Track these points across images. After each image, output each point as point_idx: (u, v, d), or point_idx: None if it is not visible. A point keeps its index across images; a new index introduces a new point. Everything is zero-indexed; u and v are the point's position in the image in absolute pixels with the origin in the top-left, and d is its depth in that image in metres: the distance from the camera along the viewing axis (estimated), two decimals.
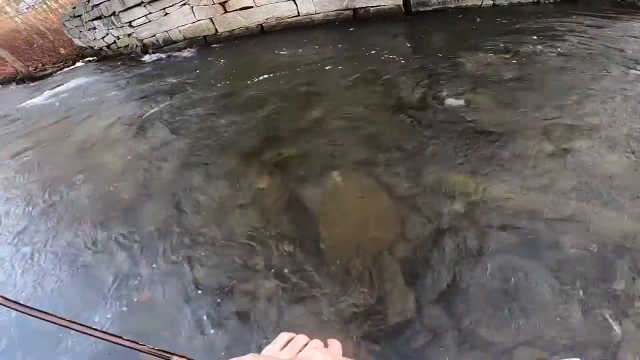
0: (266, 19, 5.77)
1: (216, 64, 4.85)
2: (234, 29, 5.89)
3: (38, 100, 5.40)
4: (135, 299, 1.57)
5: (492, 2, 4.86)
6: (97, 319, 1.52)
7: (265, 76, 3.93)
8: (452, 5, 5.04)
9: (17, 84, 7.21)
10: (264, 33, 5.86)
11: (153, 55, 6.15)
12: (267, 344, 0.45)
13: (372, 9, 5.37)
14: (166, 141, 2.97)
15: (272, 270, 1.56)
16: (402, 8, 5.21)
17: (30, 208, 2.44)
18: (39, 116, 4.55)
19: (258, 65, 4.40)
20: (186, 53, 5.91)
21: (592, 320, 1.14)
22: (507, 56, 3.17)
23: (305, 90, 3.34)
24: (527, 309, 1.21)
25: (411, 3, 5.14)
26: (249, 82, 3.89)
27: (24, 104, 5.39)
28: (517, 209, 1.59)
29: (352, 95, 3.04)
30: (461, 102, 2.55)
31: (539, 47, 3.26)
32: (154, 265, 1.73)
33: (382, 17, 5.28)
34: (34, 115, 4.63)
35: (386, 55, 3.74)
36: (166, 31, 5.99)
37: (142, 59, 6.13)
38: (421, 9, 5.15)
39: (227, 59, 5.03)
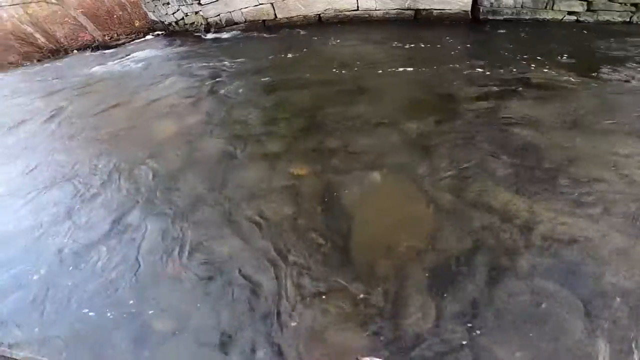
0: (325, 10, 5.89)
1: (275, 48, 5.07)
2: (292, 16, 6.10)
3: (111, 66, 6.11)
4: (165, 271, 1.72)
5: (575, 17, 4.47)
6: None
7: (320, 66, 4.05)
8: (527, 17, 4.73)
9: (92, 50, 8.15)
10: (322, 23, 5.99)
11: (215, 34, 6.60)
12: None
13: (435, 11, 5.22)
14: (218, 115, 3.24)
15: (296, 258, 1.67)
16: (469, 14, 5.00)
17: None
18: (108, 80, 5.17)
19: (314, 54, 4.54)
20: (243, 35, 6.24)
21: (616, 354, 1.13)
22: (585, 78, 2.96)
23: (357, 85, 3.39)
24: (550, 335, 1.23)
25: (480, 10, 4.91)
26: (303, 69, 4.04)
27: (96, 68, 6.13)
28: (562, 235, 1.56)
29: (407, 98, 3.04)
30: (523, 118, 2.47)
31: (625, 73, 2.99)
32: (181, 235, 1.92)
33: (446, 21, 5.12)
34: (104, 79, 5.27)
35: (447, 62, 3.66)
36: (230, 12, 6.38)
37: (204, 37, 6.62)
38: (490, 17, 4.90)
39: (285, 44, 5.23)
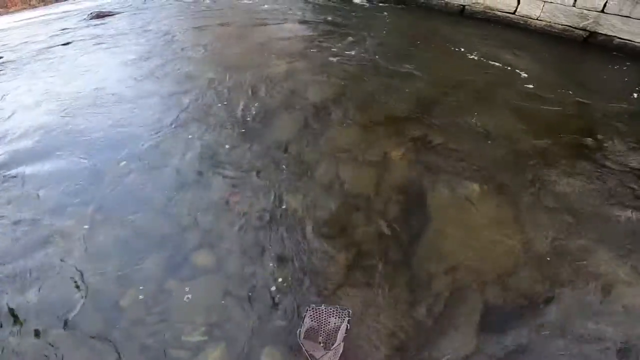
0: (473, 3, 5.37)
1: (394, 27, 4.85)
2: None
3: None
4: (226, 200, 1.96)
5: None
6: None
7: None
8: None
9: None
10: (463, 16, 5.50)
11: None
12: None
13: (617, 40, 4.26)
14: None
15: (357, 242, 1.72)
16: None
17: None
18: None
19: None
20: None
21: None
22: None
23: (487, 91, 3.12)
24: None
25: None
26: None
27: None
28: None
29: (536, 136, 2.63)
30: None
31: None
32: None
33: (628, 54, 4.14)
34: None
35: (609, 108, 2.97)
36: None
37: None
38: None
39: (410, 27, 4.95)
